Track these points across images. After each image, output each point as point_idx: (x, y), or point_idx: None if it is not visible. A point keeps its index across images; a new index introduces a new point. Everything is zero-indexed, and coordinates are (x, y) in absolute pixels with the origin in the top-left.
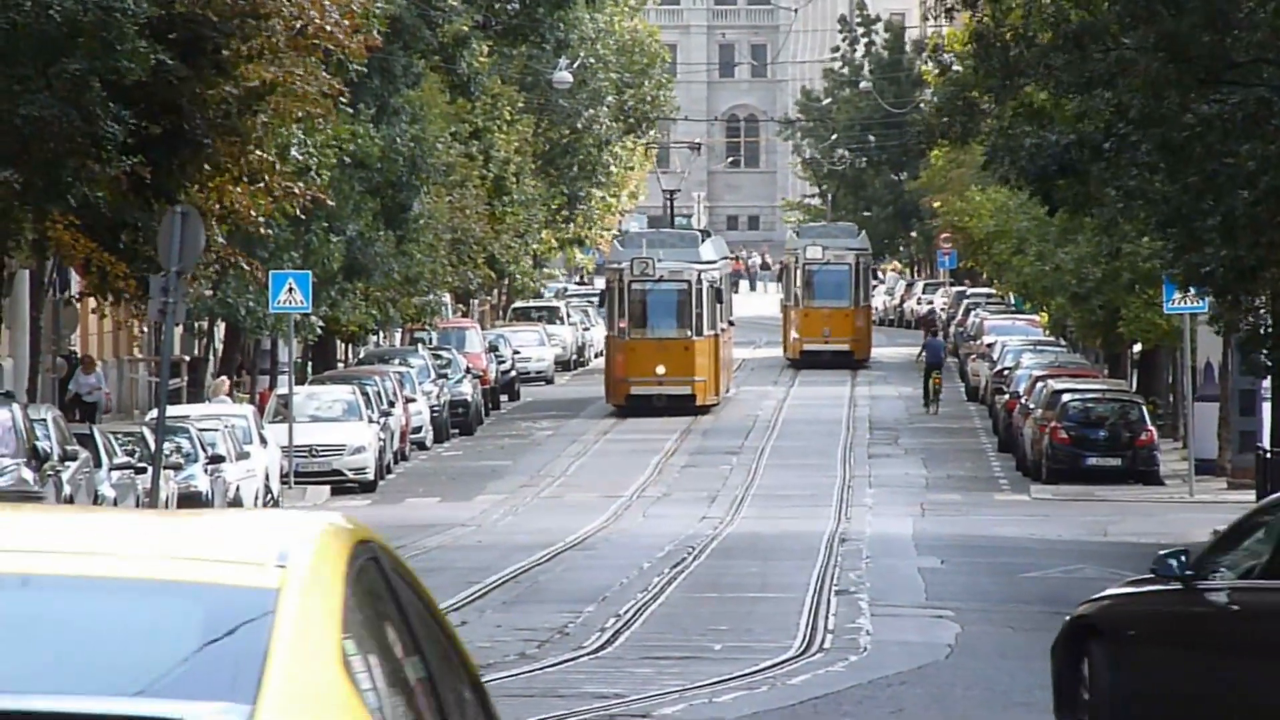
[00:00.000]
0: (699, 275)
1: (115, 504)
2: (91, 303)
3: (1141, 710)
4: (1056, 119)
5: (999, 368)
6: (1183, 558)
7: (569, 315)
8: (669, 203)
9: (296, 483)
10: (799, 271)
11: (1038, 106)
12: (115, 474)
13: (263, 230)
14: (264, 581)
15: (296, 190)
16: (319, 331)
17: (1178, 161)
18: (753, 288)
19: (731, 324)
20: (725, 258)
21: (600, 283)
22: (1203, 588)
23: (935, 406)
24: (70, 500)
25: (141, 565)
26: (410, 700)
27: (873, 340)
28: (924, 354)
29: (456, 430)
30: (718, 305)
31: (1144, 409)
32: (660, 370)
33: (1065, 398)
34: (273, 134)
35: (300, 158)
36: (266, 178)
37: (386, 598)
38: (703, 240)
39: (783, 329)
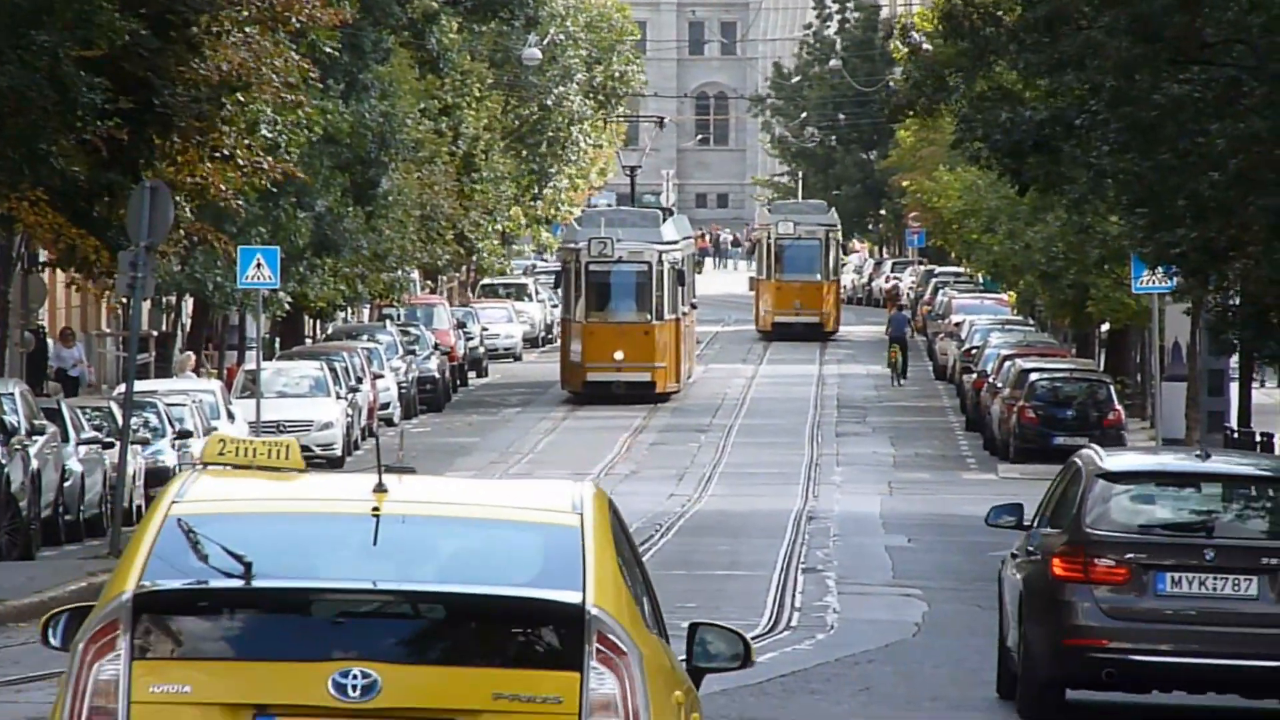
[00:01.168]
0: (660, 256)
1: (83, 479)
2: (61, 276)
3: (1017, 641)
4: (1029, 97)
5: (967, 346)
6: (1012, 510)
7: (537, 292)
8: (631, 180)
9: None
10: (771, 246)
11: (1008, 88)
12: (83, 448)
13: (234, 204)
14: (571, 522)
15: (266, 165)
16: (287, 307)
17: (1149, 141)
18: (722, 265)
19: (694, 306)
20: (687, 237)
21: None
22: (1033, 534)
23: (898, 379)
24: (38, 474)
25: (500, 512)
26: (641, 597)
27: (841, 314)
28: (889, 327)
29: (424, 407)
30: (679, 288)
31: (1112, 388)
32: (618, 356)
33: (1033, 377)
34: (242, 113)
35: (270, 136)
36: (236, 153)
37: (622, 535)
38: (664, 219)
39: (755, 302)
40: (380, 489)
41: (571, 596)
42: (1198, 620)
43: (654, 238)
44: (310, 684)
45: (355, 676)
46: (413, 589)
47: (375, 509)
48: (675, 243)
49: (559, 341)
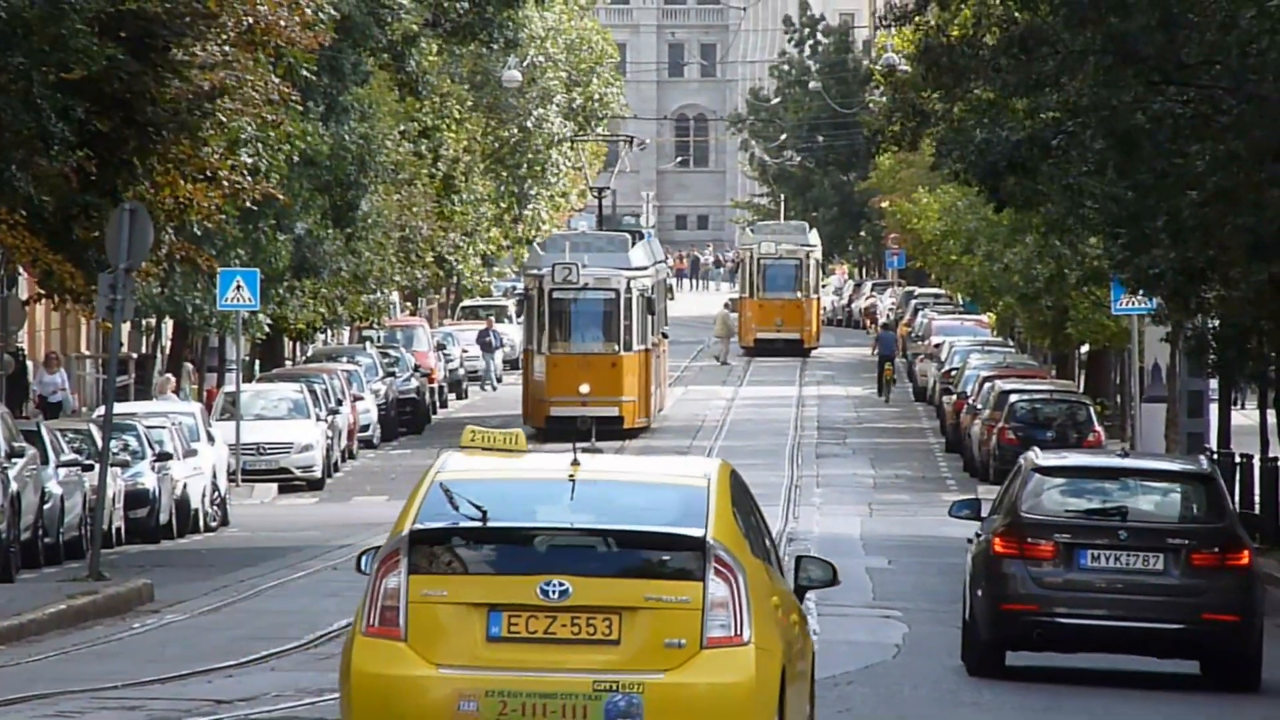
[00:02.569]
0: (628, 283)
1: (62, 501)
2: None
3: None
4: (1007, 115)
5: (947, 368)
6: (970, 504)
7: (517, 314)
8: (600, 202)
9: (244, 480)
10: (753, 265)
11: (989, 101)
12: (62, 471)
13: (217, 219)
14: (701, 484)
15: (246, 185)
16: (267, 330)
17: (1127, 160)
18: (703, 286)
19: (665, 336)
20: (659, 262)
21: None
22: (985, 522)
23: (888, 395)
24: (17, 496)
25: (654, 477)
26: (755, 541)
27: (821, 330)
28: (879, 345)
29: (404, 429)
30: (649, 316)
31: (1091, 410)
32: (584, 389)
33: (1013, 398)
34: (223, 132)
35: (250, 160)
36: (219, 173)
37: (742, 493)
38: (634, 243)
39: (739, 319)
40: (575, 463)
41: (697, 532)
42: (1113, 589)
43: (622, 263)
44: (524, 590)
45: (555, 585)
46: (594, 527)
47: (571, 475)
48: (645, 268)
49: (521, 374)
